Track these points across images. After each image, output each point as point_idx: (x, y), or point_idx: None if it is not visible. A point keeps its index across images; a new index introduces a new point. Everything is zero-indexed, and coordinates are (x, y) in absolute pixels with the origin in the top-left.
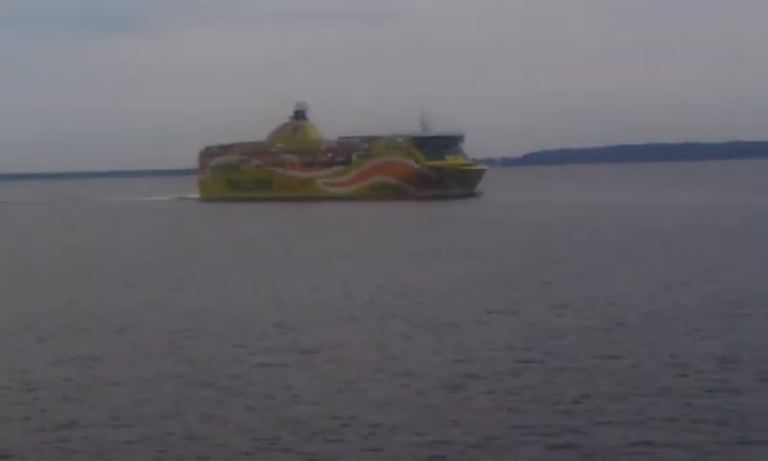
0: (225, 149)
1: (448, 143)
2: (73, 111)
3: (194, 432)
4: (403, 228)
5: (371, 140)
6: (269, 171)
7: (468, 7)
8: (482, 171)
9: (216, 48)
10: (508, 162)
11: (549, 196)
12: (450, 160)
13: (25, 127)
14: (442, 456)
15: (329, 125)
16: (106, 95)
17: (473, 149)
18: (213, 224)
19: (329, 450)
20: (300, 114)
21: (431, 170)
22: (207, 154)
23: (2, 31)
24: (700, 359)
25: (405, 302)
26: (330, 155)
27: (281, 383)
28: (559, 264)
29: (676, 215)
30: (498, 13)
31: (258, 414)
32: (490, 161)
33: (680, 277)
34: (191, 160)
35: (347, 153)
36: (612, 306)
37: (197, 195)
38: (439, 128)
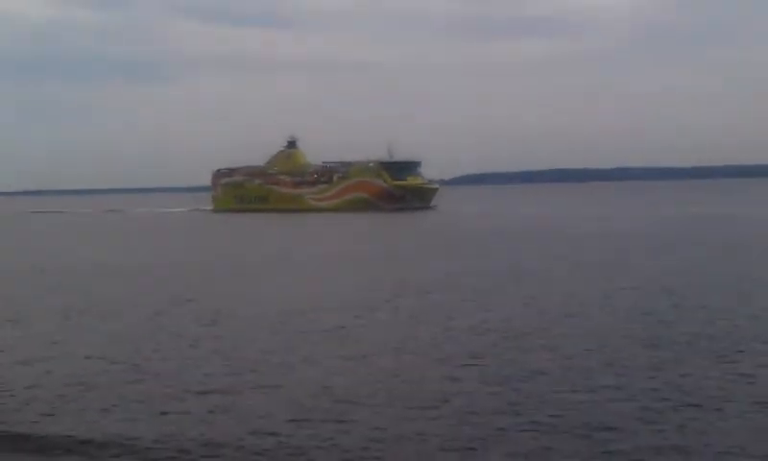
0: (232, 171)
1: (409, 167)
2: (105, 140)
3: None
4: (376, 232)
5: (348, 164)
6: (267, 188)
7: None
8: (436, 189)
9: (220, 91)
10: (444, 182)
11: (481, 208)
12: (411, 181)
13: (66, 150)
14: None
15: (315, 152)
16: (136, 128)
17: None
18: (233, 229)
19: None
20: (291, 144)
21: (396, 188)
22: (219, 174)
23: (53, 78)
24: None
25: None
26: (316, 176)
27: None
28: (483, 259)
29: (569, 223)
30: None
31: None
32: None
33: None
34: (204, 179)
35: (329, 174)
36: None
37: (210, 207)
38: (402, 155)
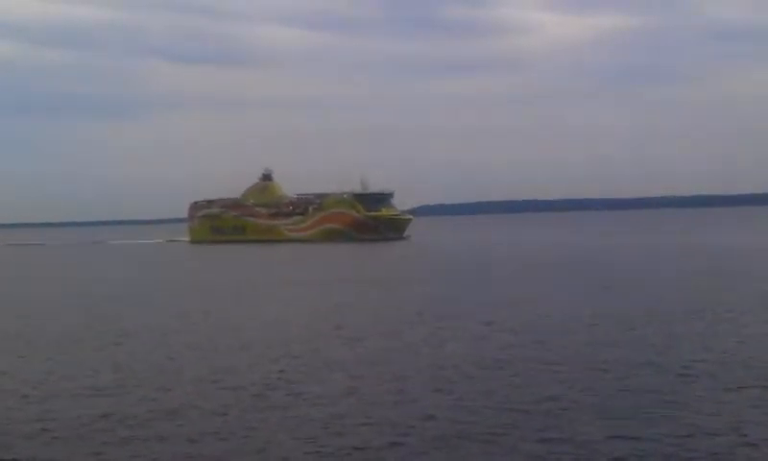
0: (209, 203)
1: (382, 198)
2: (79, 174)
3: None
4: (351, 261)
5: (322, 196)
6: (243, 220)
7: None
8: (409, 220)
9: (195, 127)
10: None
11: (452, 239)
12: (384, 211)
13: (46, 186)
14: None
15: (289, 185)
16: (108, 163)
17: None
18: (213, 261)
19: None
20: (267, 177)
21: (370, 219)
22: (195, 206)
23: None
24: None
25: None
26: (291, 207)
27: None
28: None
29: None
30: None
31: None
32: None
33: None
34: (179, 211)
35: (304, 206)
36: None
37: (186, 238)
38: (375, 186)
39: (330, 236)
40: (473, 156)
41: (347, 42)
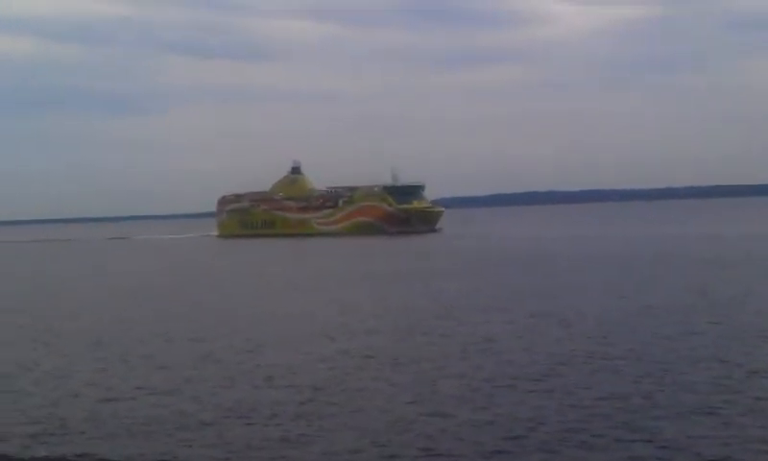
0: (238, 197)
1: (414, 191)
2: (111, 169)
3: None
4: (386, 256)
5: (353, 189)
6: (273, 214)
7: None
8: (441, 212)
9: (212, 122)
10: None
11: (484, 231)
12: (416, 204)
13: (64, 181)
14: None
15: (319, 177)
16: (125, 158)
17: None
18: (245, 255)
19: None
20: (296, 170)
21: (401, 211)
22: (224, 201)
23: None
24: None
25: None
26: (321, 201)
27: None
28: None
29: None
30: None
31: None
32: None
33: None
34: (209, 205)
35: (334, 199)
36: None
37: (215, 233)
38: (406, 179)
39: (361, 230)
40: (490, 147)
41: (360, 34)
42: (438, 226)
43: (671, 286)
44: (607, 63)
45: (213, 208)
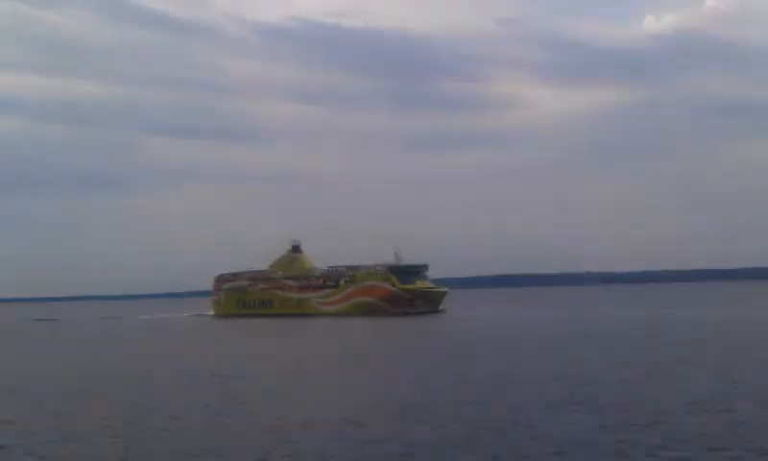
0: (235, 276)
1: (417, 271)
2: (80, 249)
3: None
4: (395, 336)
5: (355, 268)
6: (271, 293)
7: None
8: (445, 292)
9: (199, 203)
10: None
11: (490, 313)
12: (419, 284)
13: (49, 260)
14: None
15: (319, 256)
16: (109, 238)
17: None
18: (240, 337)
19: None
20: (296, 248)
21: (405, 292)
22: (221, 279)
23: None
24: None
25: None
26: (322, 280)
27: None
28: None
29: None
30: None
31: None
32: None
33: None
34: (204, 284)
35: (335, 278)
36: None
37: (211, 312)
38: (409, 259)
39: (363, 310)
40: (473, 229)
41: (346, 118)
42: (441, 306)
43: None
44: (584, 147)
45: (209, 287)
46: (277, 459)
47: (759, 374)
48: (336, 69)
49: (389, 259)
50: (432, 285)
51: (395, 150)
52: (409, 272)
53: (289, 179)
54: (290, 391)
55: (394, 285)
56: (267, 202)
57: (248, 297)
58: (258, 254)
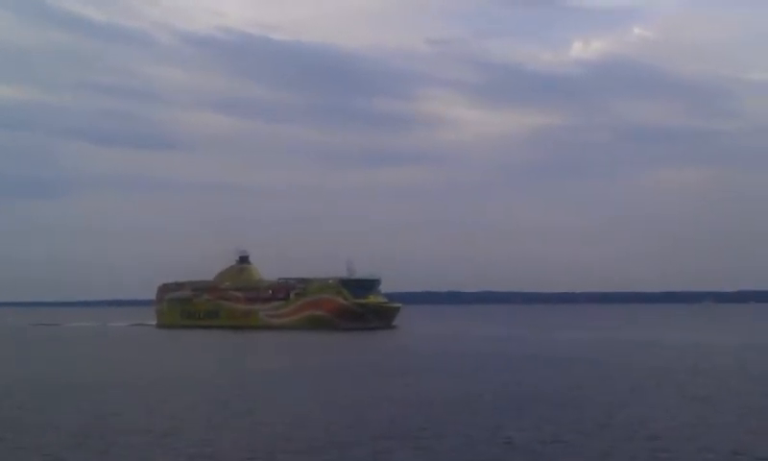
0: (179, 285)
1: (370, 285)
2: (25, 253)
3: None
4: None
5: (306, 281)
6: (218, 304)
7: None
8: (398, 308)
9: (120, 209)
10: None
11: (438, 330)
12: (372, 299)
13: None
14: None
15: (267, 268)
16: (31, 243)
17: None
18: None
19: None
20: (243, 259)
21: (357, 306)
22: (165, 288)
23: None
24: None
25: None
26: (271, 292)
27: None
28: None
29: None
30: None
31: None
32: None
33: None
34: (147, 293)
35: (285, 290)
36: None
37: (153, 322)
38: (362, 272)
39: (314, 324)
40: (396, 248)
41: (273, 131)
42: (394, 322)
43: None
44: (513, 169)
45: (152, 296)
46: None
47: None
48: (264, 82)
49: (341, 273)
50: (385, 300)
51: (324, 165)
52: (362, 286)
53: (219, 189)
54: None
55: (345, 299)
56: (198, 212)
57: (193, 307)
58: (193, 263)
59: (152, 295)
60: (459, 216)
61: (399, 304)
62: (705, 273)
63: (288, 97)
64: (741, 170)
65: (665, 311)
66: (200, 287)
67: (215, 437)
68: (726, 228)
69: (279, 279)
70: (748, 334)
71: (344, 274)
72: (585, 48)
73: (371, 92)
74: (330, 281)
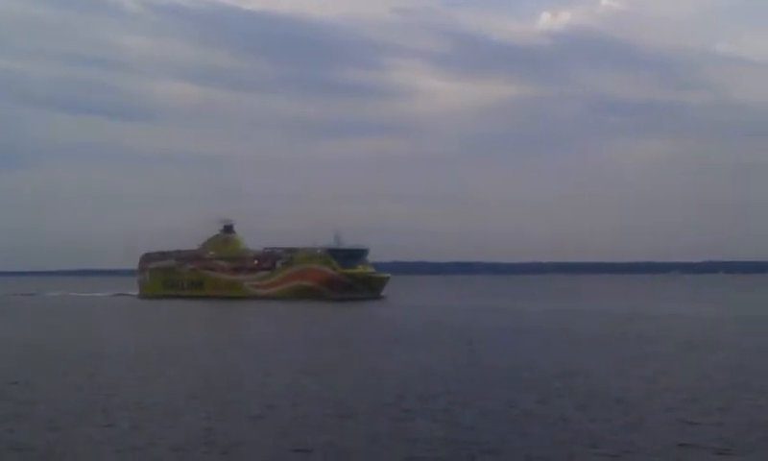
0: (163, 255)
1: (358, 254)
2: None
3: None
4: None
5: (292, 251)
6: (202, 274)
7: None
8: (387, 278)
9: (91, 179)
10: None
11: (427, 301)
12: (360, 269)
13: None
14: None
15: (253, 237)
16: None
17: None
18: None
19: None
20: (228, 228)
21: (346, 276)
22: (147, 258)
23: None
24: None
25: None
26: (257, 262)
27: None
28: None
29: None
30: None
31: None
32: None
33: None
34: (128, 263)
35: (271, 260)
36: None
37: (135, 292)
38: (350, 242)
39: (301, 294)
40: (363, 218)
41: (245, 100)
42: (383, 293)
43: None
44: (480, 140)
45: (133, 266)
46: None
47: None
48: (235, 51)
49: (328, 242)
50: (374, 270)
51: (296, 135)
52: (350, 256)
53: (192, 160)
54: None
55: (334, 269)
56: (173, 182)
57: (176, 277)
58: (174, 233)
59: (133, 265)
60: (426, 187)
61: (388, 275)
62: (672, 244)
63: (258, 67)
64: (708, 142)
65: (635, 282)
66: (184, 257)
67: (218, 411)
68: (693, 199)
69: (265, 248)
70: (724, 305)
71: (330, 243)
72: (553, 19)
73: (341, 62)
74: (318, 251)
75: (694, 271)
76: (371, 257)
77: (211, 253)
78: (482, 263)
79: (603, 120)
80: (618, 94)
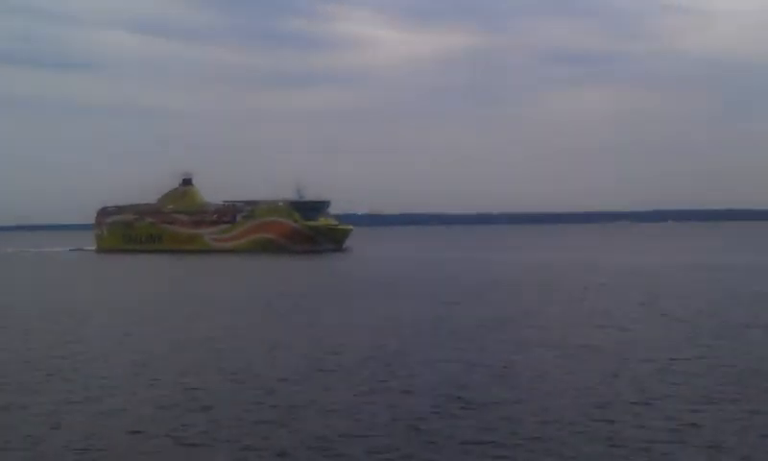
0: (120, 209)
1: (320, 207)
2: None
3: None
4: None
5: (254, 203)
6: (161, 227)
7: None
8: (349, 230)
9: (33, 132)
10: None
11: (387, 252)
12: (323, 221)
13: None
14: None
15: (212, 191)
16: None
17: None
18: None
19: None
20: (186, 181)
21: (308, 229)
22: (104, 212)
23: None
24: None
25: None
26: (217, 215)
27: None
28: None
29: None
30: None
31: None
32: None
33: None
34: (83, 217)
35: (232, 213)
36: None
37: (92, 247)
38: (312, 194)
39: (263, 247)
40: (316, 170)
41: (190, 51)
42: (346, 245)
43: None
44: (429, 91)
45: (90, 221)
46: None
47: None
48: (183, 2)
49: (291, 194)
50: (336, 222)
51: (246, 86)
52: (312, 208)
53: (144, 113)
54: None
55: (296, 221)
56: (126, 136)
57: (134, 231)
58: (130, 187)
59: (90, 220)
60: (376, 139)
61: (351, 227)
62: (620, 192)
63: (208, 18)
64: (656, 91)
65: (586, 231)
66: (141, 211)
67: (196, 368)
68: (640, 148)
69: (225, 201)
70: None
71: (291, 195)
72: None
73: (288, 12)
74: (280, 204)
75: (643, 219)
76: (332, 209)
77: (170, 206)
78: (429, 214)
79: (551, 70)
80: (567, 44)
